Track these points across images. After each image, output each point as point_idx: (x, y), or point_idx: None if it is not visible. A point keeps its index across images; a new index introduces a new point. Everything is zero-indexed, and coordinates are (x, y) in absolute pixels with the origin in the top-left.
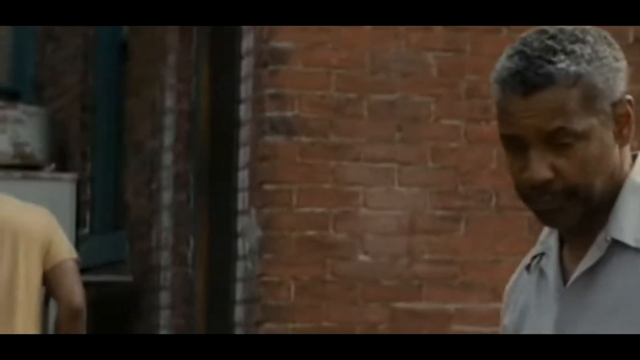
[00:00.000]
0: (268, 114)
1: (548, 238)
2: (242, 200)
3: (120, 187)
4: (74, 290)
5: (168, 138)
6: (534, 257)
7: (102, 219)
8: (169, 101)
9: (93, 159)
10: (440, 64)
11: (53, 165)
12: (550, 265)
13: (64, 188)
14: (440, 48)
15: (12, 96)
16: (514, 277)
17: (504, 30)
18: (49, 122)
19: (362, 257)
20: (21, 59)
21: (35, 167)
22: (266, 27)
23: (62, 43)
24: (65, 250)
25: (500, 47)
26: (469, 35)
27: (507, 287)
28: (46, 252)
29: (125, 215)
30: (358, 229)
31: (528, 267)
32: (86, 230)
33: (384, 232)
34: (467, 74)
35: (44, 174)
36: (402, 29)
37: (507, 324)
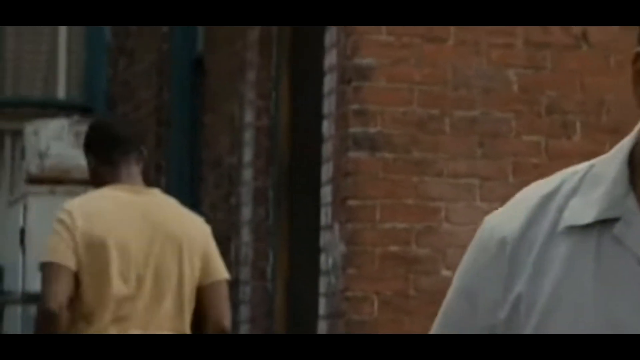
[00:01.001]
0: (352, 129)
1: (624, 199)
2: (325, 215)
3: (196, 201)
4: (225, 314)
5: (247, 154)
6: (602, 220)
7: None
8: (249, 117)
9: (167, 172)
10: (520, 80)
11: None
12: (634, 235)
13: None
14: (521, 65)
15: (85, 111)
16: (516, 225)
17: (584, 46)
18: None
19: (445, 272)
20: (94, 74)
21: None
22: (349, 44)
23: (135, 58)
24: (222, 269)
25: (580, 63)
26: (549, 52)
27: (500, 235)
28: (205, 264)
29: None
30: (440, 244)
31: (572, 228)
32: None
33: (465, 247)
34: (547, 90)
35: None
36: (483, 45)
37: (522, 292)
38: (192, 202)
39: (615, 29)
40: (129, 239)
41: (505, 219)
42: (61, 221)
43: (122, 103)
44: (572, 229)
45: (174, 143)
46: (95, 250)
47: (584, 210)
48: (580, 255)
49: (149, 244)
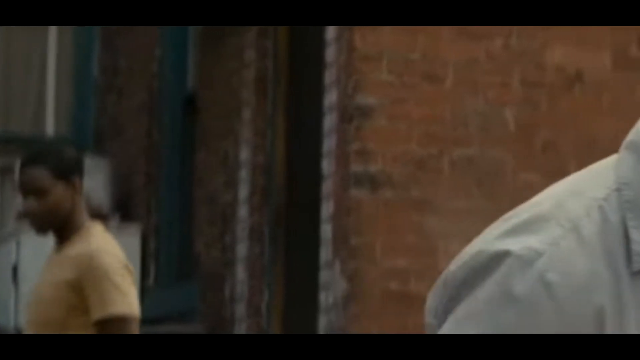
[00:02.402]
0: (353, 168)
1: None
2: (325, 253)
3: (187, 239)
4: None
5: (243, 191)
6: None
7: (169, 270)
8: (244, 154)
9: (158, 210)
10: (516, 119)
11: (117, 216)
12: None
13: (129, 239)
14: (517, 103)
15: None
16: (582, 267)
17: (578, 85)
18: (112, 174)
19: None
20: (82, 111)
21: (101, 218)
22: (350, 83)
23: (123, 96)
24: None
25: (574, 102)
26: (544, 91)
27: (572, 283)
28: None
29: (195, 267)
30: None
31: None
32: (151, 281)
33: None
34: (542, 129)
35: (110, 224)
36: (480, 84)
37: None
38: (183, 240)
39: (608, 68)
40: None
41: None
42: (127, 267)
43: (111, 140)
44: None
45: (164, 181)
46: None
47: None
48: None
49: None
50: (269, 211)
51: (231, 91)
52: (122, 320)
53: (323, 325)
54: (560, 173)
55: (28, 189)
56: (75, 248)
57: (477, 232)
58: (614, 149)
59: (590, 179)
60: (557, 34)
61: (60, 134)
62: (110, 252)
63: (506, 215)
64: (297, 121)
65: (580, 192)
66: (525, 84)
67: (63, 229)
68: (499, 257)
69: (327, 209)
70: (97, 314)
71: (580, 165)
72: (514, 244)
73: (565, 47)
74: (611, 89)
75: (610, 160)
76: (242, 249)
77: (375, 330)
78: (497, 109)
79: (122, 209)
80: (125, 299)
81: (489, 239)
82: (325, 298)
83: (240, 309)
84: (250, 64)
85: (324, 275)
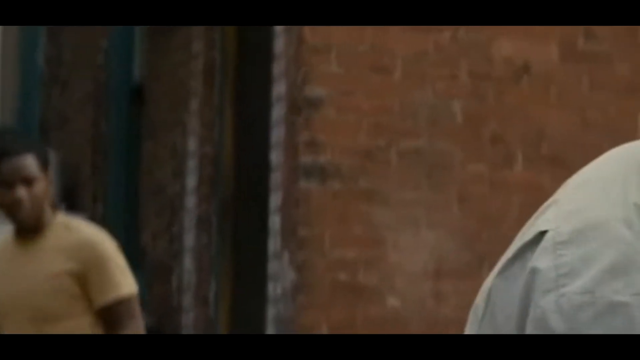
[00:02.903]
0: (302, 159)
1: None
2: (274, 243)
3: (134, 229)
4: None
5: (191, 181)
6: None
7: None
8: (192, 145)
9: (105, 201)
10: (465, 111)
11: (64, 206)
12: None
13: None
14: (465, 95)
15: None
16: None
17: (525, 77)
18: (58, 165)
19: (391, 301)
20: (27, 102)
21: None
22: (299, 75)
23: (68, 87)
24: None
25: (521, 94)
26: (492, 84)
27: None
28: None
29: (142, 257)
30: (387, 272)
31: None
32: None
33: (411, 275)
34: (490, 121)
35: None
36: (428, 77)
37: None
38: (129, 230)
39: (555, 60)
40: None
41: None
42: (118, 248)
43: (56, 131)
44: None
45: (110, 172)
46: None
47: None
48: None
49: None
50: (217, 202)
51: (179, 82)
52: (130, 299)
53: (271, 316)
54: (508, 165)
55: (18, 178)
56: (64, 238)
57: (426, 223)
58: (559, 141)
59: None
60: (504, 26)
61: (6, 125)
62: (105, 237)
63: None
64: (245, 112)
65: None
66: (473, 77)
67: (39, 219)
68: (617, 310)
69: (275, 200)
70: (107, 296)
71: (528, 157)
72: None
73: (512, 40)
74: (559, 81)
75: None
76: (189, 239)
77: (323, 321)
78: (445, 101)
79: (68, 200)
80: (129, 279)
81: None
82: (273, 289)
83: (188, 299)
84: (198, 55)
85: (272, 266)
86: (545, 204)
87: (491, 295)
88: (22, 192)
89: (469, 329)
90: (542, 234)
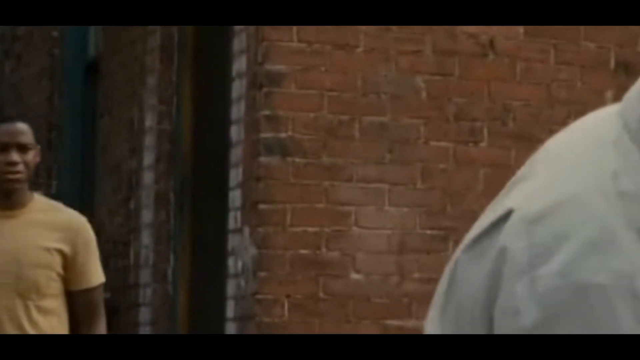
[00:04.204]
0: (262, 135)
1: None
2: (234, 219)
3: (89, 206)
4: None
5: (148, 157)
6: None
7: None
8: (149, 121)
9: (59, 177)
10: (429, 87)
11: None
12: None
13: None
14: (429, 72)
15: None
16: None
17: (491, 54)
18: None
19: (354, 276)
20: None
21: None
22: (260, 50)
23: (22, 62)
24: None
25: (487, 70)
26: (456, 60)
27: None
28: None
29: (98, 234)
30: (350, 248)
31: None
32: None
33: (375, 251)
34: (455, 97)
35: None
36: (392, 52)
37: None
38: (85, 206)
39: (521, 36)
40: None
41: None
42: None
43: (10, 107)
44: None
45: (65, 148)
46: None
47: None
48: None
49: None
50: (176, 178)
51: (135, 57)
52: (101, 286)
53: (231, 292)
54: (472, 141)
55: (14, 142)
56: (52, 217)
57: (389, 199)
58: (525, 117)
59: None
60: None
61: None
62: (87, 222)
63: None
64: (203, 88)
65: None
66: (437, 52)
67: (25, 190)
68: (593, 292)
69: (236, 175)
70: (90, 282)
71: (492, 134)
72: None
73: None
74: (524, 57)
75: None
76: (147, 215)
77: (284, 296)
78: (409, 77)
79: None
80: (100, 267)
81: None
82: (234, 264)
83: (146, 275)
84: (156, 30)
85: (232, 241)
86: (512, 180)
87: (456, 272)
88: (16, 156)
89: (433, 306)
90: (511, 211)
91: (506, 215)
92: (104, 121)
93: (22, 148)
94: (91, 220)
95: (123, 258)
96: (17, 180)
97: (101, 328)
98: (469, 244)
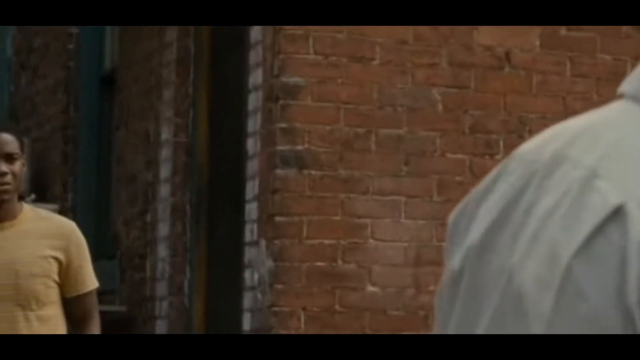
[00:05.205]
0: (279, 147)
1: None
2: (251, 232)
3: (105, 218)
4: None
5: (165, 170)
6: None
7: None
8: (166, 134)
9: (75, 190)
10: (445, 99)
11: (33, 196)
12: None
13: None
14: (445, 84)
15: None
16: None
17: (507, 66)
18: (27, 153)
19: (370, 288)
20: None
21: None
22: (276, 63)
23: (38, 75)
24: None
25: (503, 83)
26: (472, 72)
27: None
28: None
29: (114, 246)
30: (366, 260)
31: None
32: None
33: (391, 263)
34: (471, 109)
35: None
36: (408, 65)
37: None
38: (100, 219)
39: (537, 49)
40: None
41: None
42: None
43: (25, 119)
44: None
45: (81, 160)
46: None
47: None
48: None
49: None
50: (192, 190)
51: (151, 70)
52: (95, 290)
53: (247, 304)
54: (488, 154)
55: (1, 153)
56: (42, 226)
57: (405, 211)
58: (541, 129)
59: None
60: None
61: None
62: (77, 227)
63: None
64: (220, 101)
65: None
66: (454, 65)
67: (13, 201)
68: None
69: (252, 188)
70: (85, 287)
71: (508, 146)
72: None
73: (493, 28)
74: (540, 70)
75: None
76: (163, 228)
77: (300, 309)
78: (425, 90)
79: (37, 189)
80: (93, 272)
81: None
82: (250, 277)
83: (162, 288)
84: (172, 43)
85: (249, 254)
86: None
87: (574, 277)
88: (4, 166)
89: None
90: (622, 206)
91: (616, 212)
92: (120, 134)
93: (9, 158)
94: (108, 233)
95: (139, 271)
96: (6, 191)
97: (96, 332)
98: (580, 247)
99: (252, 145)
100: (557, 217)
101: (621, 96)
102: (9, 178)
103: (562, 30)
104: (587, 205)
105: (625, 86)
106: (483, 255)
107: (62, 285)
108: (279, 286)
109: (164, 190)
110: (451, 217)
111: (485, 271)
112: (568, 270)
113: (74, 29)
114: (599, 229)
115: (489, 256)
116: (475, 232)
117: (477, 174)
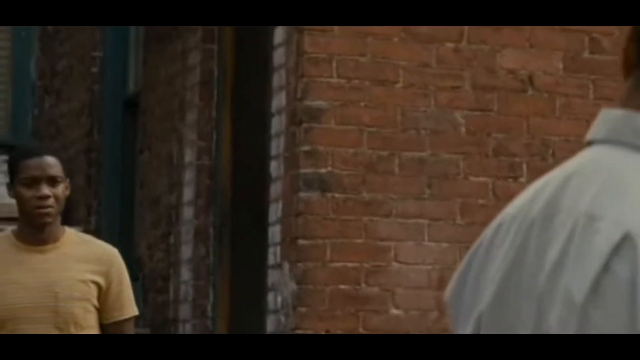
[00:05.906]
0: (302, 170)
1: None
2: (274, 255)
3: (129, 241)
4: None
5: (188, 193)
6: None
7: None
8: (189, 157)
9: (98, 212)
10: (468, 122)
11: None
12: None
13: None
14: (468, 107)
15: (11, 149)
16: None
17: (530, 89)
18: None
19: (394, 311)
20: (20, 113)
21: None
22: (300, 86)
23: (61, 97)
24: None
25: (526, 105)
26: (495, 95)
27: None
28: None
29: (138, 269)
30: (389, 283)
31: None
32: None
33: (414, 286)
34: (494, 132)
35: None
36: (431, 88)
37: None
38: (124, 242)
39: (560, 72)
40: None
41: None
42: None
43: (50, 142)
44: None
45: (105, 183)
46: None
47: None
48: None
49: None
50: (215, 213)
51: (174, 93)
52: (134, 319)
53: (271, 327)
54: (511, 177)
55: (44, 176)
56: (84, 250)
57: (428, 234)
58: (564, 152)
59: None
60: (508, 38)
61: None
62: (118, 253)
63: None
64: (243, 124)
65: None
66: (476, 88)
67: (54, 225)
68: None
69: (275, 211)
70: (123, 313)
71: (531, 169)
72: None
73: (516, 51)
74: (563, 93)
75: None
76: (186, 251)
77: (324, 332)
78: (448, 113)
79: (61, 212)
80: (134, 301)
81: None
82: (273, 300)
83: (185, 311)
84: (195, 66)
85: (272, 277)
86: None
87: (590, 320)
88: (47, 190)
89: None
90: (628, 235)
91: (620, 244)
92: (144, 157)
93: (52, 181)
94: (131, 256)
95: (162, 293)
96: (48, 214)
97: None
98: (590, 289)
99: (275, 168)
100: (567, 264)
101: (590, 143)
102: (51, 201)
103: (585, 53)
104: (592, 248)
105: (592, 134)
106: (495, 316)
107: (101, 311)
108: (302, 309)
109: (187, 213)
110: (447, 294)
111: (500, 329)
112: (583, 313)
113: (97, 52)
114: (605, 269)
115: (501, 314)
116: (484, 299)
117: (501, 197)
